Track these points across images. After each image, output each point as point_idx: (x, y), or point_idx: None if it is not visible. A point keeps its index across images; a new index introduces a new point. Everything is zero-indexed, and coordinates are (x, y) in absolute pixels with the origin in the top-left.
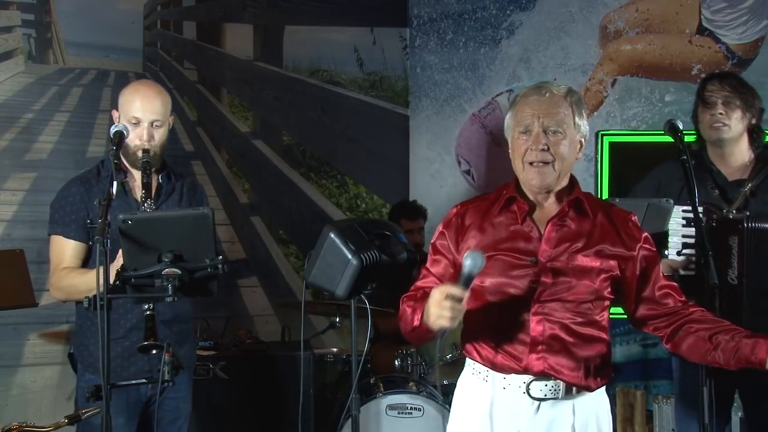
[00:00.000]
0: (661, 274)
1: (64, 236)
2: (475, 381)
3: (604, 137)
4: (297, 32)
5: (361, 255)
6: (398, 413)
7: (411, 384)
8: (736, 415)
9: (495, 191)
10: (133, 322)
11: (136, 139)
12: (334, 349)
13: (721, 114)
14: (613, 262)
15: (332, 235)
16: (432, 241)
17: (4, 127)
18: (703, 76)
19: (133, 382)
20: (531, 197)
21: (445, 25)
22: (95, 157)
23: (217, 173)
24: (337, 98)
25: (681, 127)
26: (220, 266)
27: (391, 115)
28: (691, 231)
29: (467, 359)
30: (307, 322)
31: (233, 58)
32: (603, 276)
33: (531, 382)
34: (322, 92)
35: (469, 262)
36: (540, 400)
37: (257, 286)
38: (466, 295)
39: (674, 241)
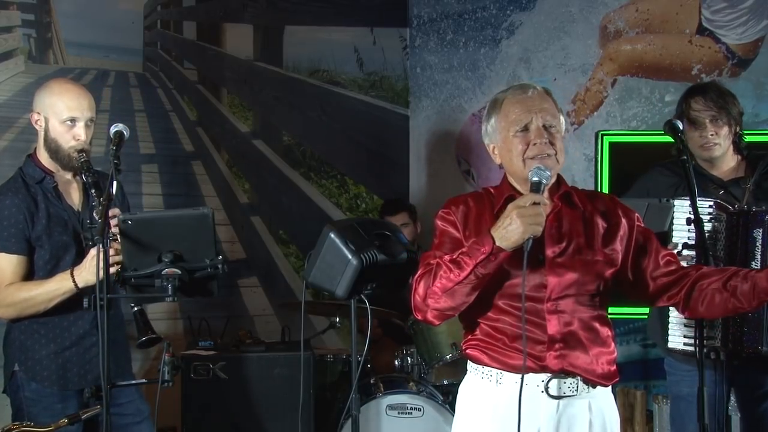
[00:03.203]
0: (658, 244)
1: (5, 252)
2: (486, 385)
3: (604, 137)
4: (297, 32)
5: (361, 255)
6: (398, 413)
7: (411, 384)
8: (736, 415)
9: (476, 193)
10: (85, 328)
11: (71, 139)
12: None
13: (712, 135)
14: (613, 252)
15: (332, 235)
16: (437, 231)
17: (4, 127)
18: (703, 76)
19: (134, 382)
20: None
21: (445, 25)
22: (95, 157)
23: (217, 173)
24: (337, 98)
25: (681, 127)
26: (220, 266)
27: (391, 115)
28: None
29: (472, 365)
30: (307, 322)
31: (233, 58)
32: (607, 267)
33: (549, 380)
34: (322, 92)
35: (539, 171)
36: (558, 398)
37: (257, 286)
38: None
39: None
